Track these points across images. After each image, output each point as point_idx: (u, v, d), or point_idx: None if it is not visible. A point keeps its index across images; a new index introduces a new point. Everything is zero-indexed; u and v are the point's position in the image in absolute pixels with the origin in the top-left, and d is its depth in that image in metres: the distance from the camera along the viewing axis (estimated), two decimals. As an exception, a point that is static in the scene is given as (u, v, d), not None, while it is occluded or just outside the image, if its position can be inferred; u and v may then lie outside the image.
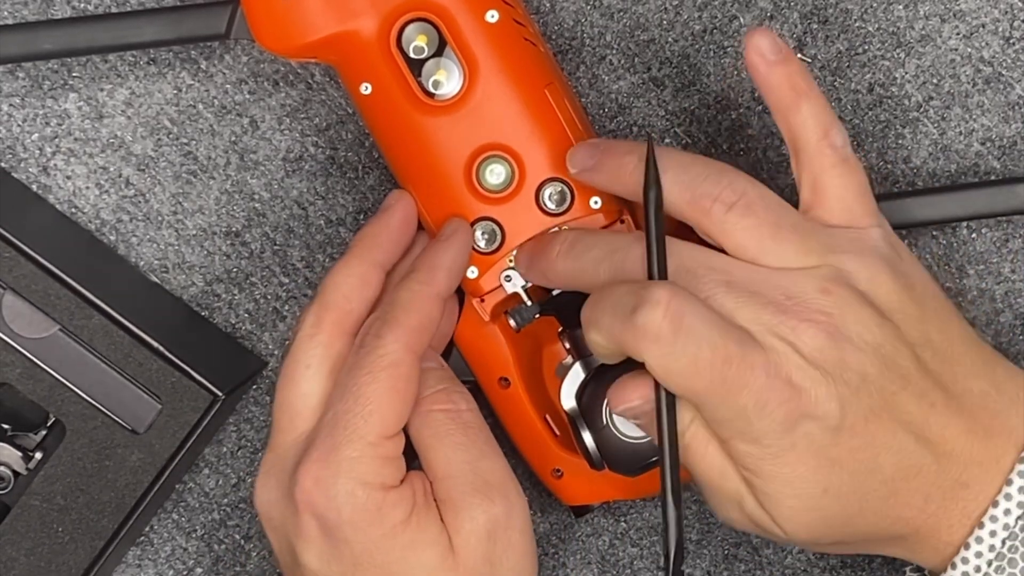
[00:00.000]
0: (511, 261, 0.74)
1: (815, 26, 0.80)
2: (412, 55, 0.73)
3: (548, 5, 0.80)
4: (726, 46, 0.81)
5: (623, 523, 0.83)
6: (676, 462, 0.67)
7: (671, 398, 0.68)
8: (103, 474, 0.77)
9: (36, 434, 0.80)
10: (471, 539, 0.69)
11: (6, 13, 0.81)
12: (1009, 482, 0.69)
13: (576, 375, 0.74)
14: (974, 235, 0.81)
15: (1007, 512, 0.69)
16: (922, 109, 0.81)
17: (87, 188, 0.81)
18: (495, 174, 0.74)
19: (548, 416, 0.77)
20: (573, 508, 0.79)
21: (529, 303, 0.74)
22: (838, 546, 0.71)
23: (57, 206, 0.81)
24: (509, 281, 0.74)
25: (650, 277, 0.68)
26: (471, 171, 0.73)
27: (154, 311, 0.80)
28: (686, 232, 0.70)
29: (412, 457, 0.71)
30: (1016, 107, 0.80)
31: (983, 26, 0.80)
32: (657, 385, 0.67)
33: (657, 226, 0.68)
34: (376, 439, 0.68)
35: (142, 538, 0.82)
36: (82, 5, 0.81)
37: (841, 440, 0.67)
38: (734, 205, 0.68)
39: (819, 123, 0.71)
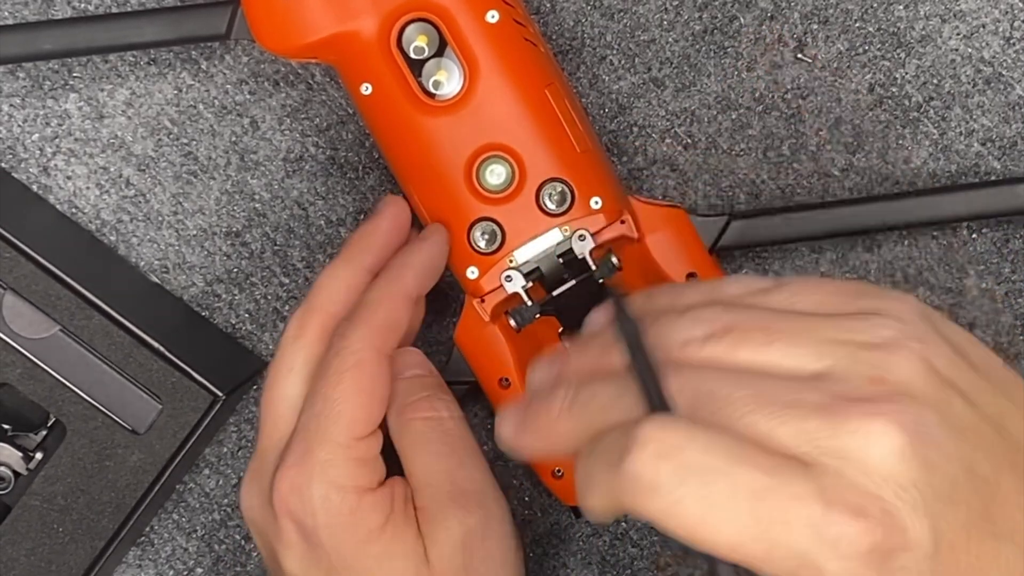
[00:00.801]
0: (511, 261, 0.74)
1: (815, 26, 0.80)
2: (412, 55, 0.73)
3: (548, 5, 0.80)
4: (726, 46, 0.81)
5: (623, 523, 0.83)
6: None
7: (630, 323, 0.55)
8: (103, 474, 0.77)
9: (36, 434, 0.80)
10: (446, 549, 0.68)
11: (6, 13, 0.81)
12: None
13: (576, 375, 0.74)
14: (974, 235, 0.81)
15: None
16: (922, 109, 0.81)
17: (87, 188, 0.81)
18: (495, 174, 0.74)
19: (548, 416, 0.77)
20: (573, 508, 0.79)
21: (529, 303, 0.74)
22: None
23: (57, 206, 0.81)
24: (509, 281, 0.74)
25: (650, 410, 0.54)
26: (471, 171, 0.73)
27: (154, 311, 0.80)
28: None
29: (399, 465, 0.71)
30: (1016, 107, 0.80)
31: (983, 26, 0.80)
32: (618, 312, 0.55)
33: (641, 356, 0.55)
34: (347, 440, 0.68)
35: (142, 538, 0.82)
36: (82, 5, 0.81)
37: (942, 563, 0.52)
38: (709, 338, 0.55)
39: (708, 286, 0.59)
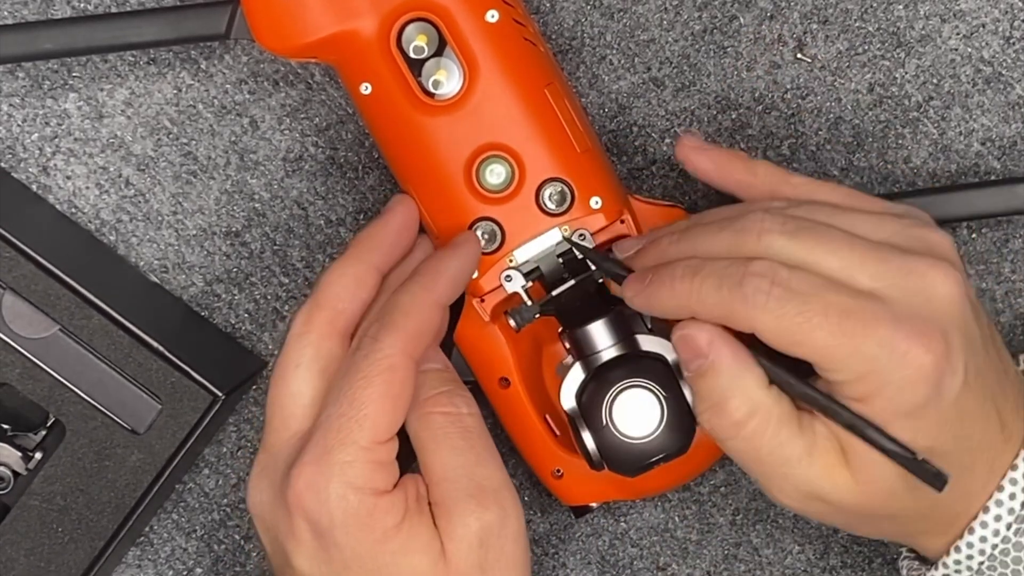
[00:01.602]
0: (511, 261, 0.74)
1: (815, 26, 0.80)
2: (412, 55, 0.73)
3: (548, 5, 0.80)
4: (726, 46, 0.81)
5: (623, 523, 0.83)
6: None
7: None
8: (103, 474, 0.77)
9: (36, 434, 0.80)
10: (463, 545, 0.68)
11: (6, 13, 0.81)
12: (1015, 467, 0.69)
13: (576, 375, 0.74)
14: (974, 235, 0.81)
15: (1012, 496, 0.69)
16: (922, 109, 0.81)
17: (87, 188, 0.81)
18: (495, 174, 0.74)
19: (548, 416, 0.77)
20: (573, 508, 0.79)
21: (529, 303, 0.74)
22: (886, 521, 0.70)
23: (57, 206, 0.81)
24: (509, 281, 0.74)
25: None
26: (471, 171, 0.73)
27: (154, 311, 0.80)
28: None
29: (411, 459, 0.71)
30: (1016, 107, 0.80)
31: (983, 26, 0.80)
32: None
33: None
34: (369, 444, 0.68)
35: (142, 538, 0.82)
36: (82, 5, 0.81)
37: (960, 399, 0.67)
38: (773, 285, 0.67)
39: (778, 169, 0.73)
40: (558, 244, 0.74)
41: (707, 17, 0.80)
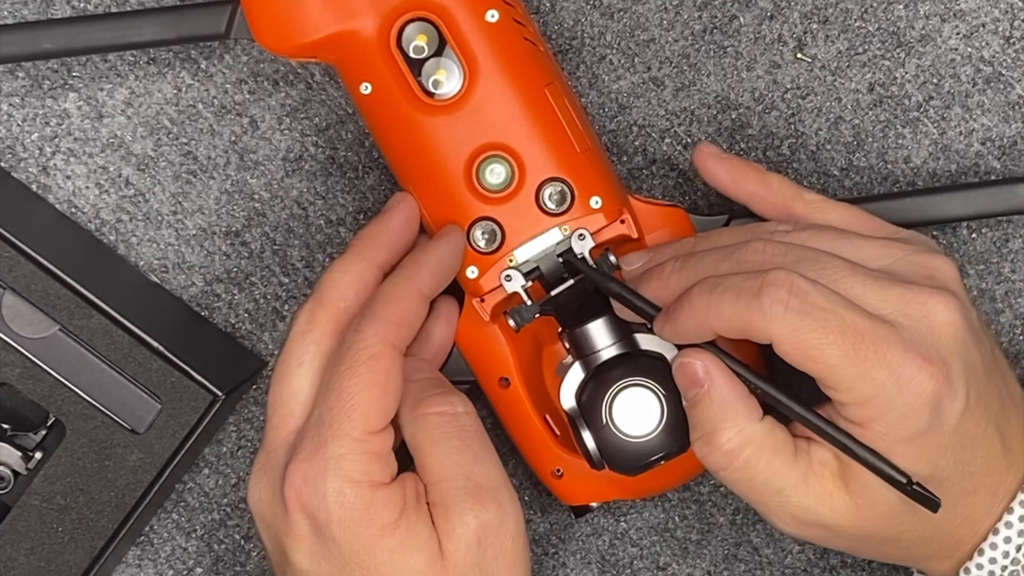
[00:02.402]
0: (511, 261, 0.74)
1: (815, 26, 0.80)
2: (412, 55, 0.73)
3: (548, 5, 0.80)
4: (726, 46, 0.81)
5: (623, 523, 0.83)
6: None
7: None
8: (103, 474, 0.77)
9: (36, 434, 0.80)
10: (461, 544, 0.68)
11: (6, 13, 0.81)
12: None
13: (576, 375, 0.74)
14: (974, 235, 0.81)
15: (1023, 519, 0.69)
16: (922, 109, 0.81)
17: (87, 188, 0.81)
18: (495, 174, 0.74)
19: (548, 416, 0.77)
20: (573, 508, 0.79)
21: (529, 303, 0.74)
22: (888, 544, 0.70)
23: (57, 206, 0.81)
24: (509, 281, 0.74)
25: None
26: (471, 171, 0.73)
27: (154, 311, 0.80)
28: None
29: (409, 461, 0.71)
30: (1016, 107, 0.80)
31: (983, 26, 0.80)
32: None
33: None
34: (361, 435, 0.68)
35: (142, 538, 0.82)
36: (82, 5, 0.81)
37: (962, 424, 0.68)
38: (791, 296, 0.68)
39: (792, 184, 0.74)
40: (558, 244, 0.74)
41: (707, 17, 0.80)
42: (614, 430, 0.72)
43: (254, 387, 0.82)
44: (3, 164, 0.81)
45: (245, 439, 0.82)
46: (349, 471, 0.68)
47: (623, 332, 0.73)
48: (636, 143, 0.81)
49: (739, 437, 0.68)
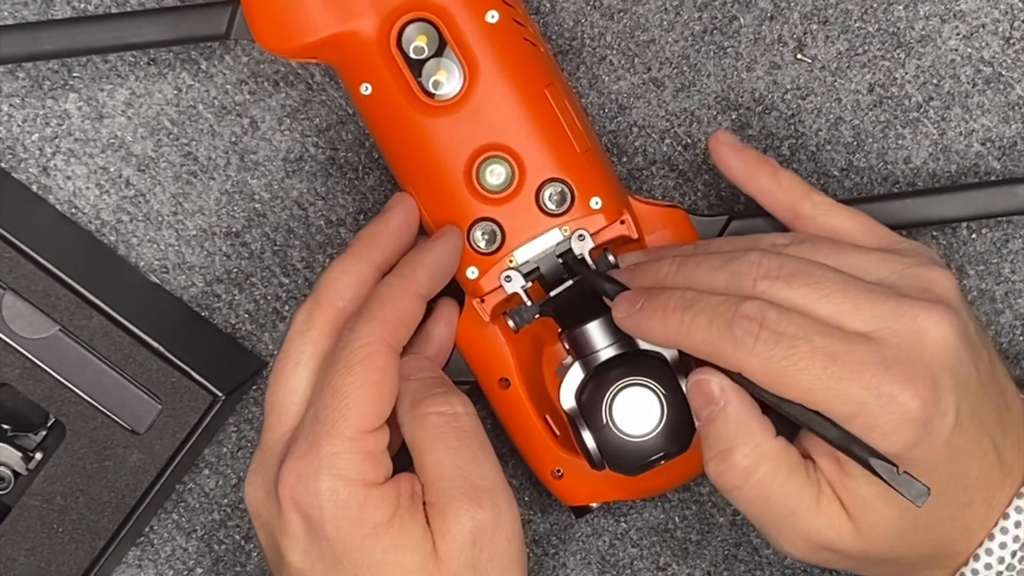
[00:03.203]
0: (511, 261, 0.74)
1: (815, 26, 0.80)
2: (412, 55, 0.73)
3: (548, 5, 0.80)
4: (726, 46, 0.81)
5: (623, 523, 0.83)
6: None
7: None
8: (103, 474, 0.77)
9: (36, 434, 0.80)
10: (456, 544, 0.68)
11: (6, 13, 0.81)
12: (1021, 495, 0.70)
13: (576, 375, 0.74)
14: (974, 235, 0.81)
15: (1018, 524, 0.69)
16: (922, 109, 0.81)
17: (87, 188, 0.81)
18: (495, 174, 0.74)
19: (548, 416, 0.77)
20: (573, 508, 0.79)
21: (529, 303, 0.74)
22: (889, 564, 0.71)
23: (57, 206, 0.81)
24: (509, 281, 0.74)
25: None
26: (471, 171, 0.73)
27: (154, 311, 0.80)
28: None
29: (407, 461, 0.71)
30: (1016, 107, 0.80)
31: (983, 26, 0.80)
32: None
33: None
34: (355, 433, 0.68)
35: (142, 538, 0.82)
36: (82, 5, 0.81)
37: (953, 439, 0.67)
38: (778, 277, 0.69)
39: (802, 183, 0.73)
40: (558, 244, 0.74)
41: (707, 17, 0.80)
42: (614, 430, 0.72)
43: (254, 388, 0.82)
44: (3, 165, 0.81)
45: (245, 439, 0.82)
46: (342, 470, 0.68)
47: (623, 332, 0.73)
48: (636, 143, 0.81)
49: (755, 453, 0.68)
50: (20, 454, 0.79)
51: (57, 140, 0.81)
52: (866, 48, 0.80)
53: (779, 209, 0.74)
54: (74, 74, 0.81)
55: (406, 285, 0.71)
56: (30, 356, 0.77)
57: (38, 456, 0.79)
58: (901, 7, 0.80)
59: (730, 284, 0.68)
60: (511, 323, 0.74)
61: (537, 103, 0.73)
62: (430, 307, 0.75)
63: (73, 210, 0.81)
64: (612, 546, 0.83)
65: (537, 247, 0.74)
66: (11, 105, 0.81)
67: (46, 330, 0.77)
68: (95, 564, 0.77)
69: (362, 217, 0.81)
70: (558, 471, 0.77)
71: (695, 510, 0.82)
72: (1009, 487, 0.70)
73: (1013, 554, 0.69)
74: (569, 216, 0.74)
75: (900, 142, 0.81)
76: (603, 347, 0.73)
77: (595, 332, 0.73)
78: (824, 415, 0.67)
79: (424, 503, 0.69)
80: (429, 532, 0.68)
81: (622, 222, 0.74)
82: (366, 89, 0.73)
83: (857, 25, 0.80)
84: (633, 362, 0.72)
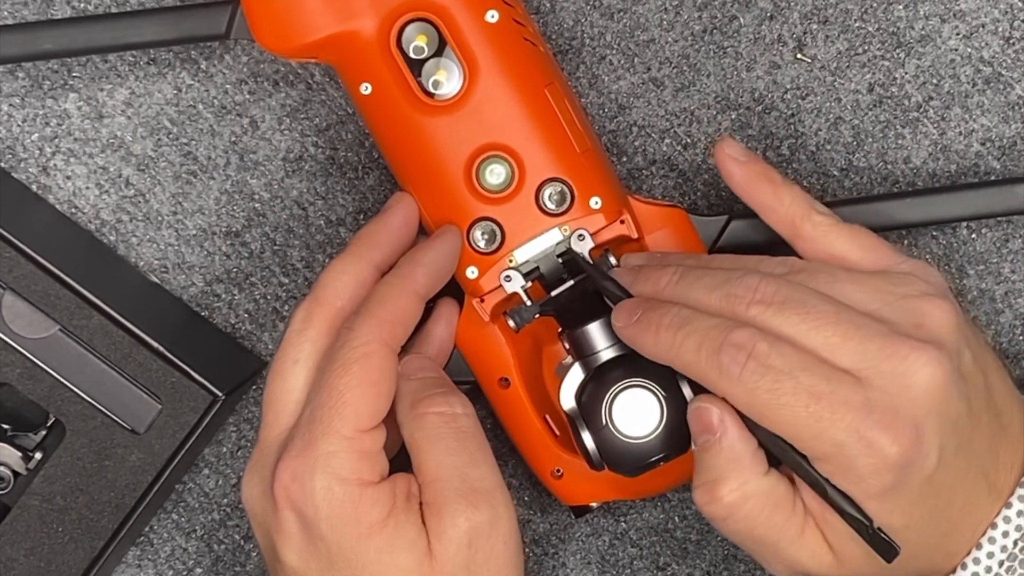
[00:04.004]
0: (511, 261, 0.74)
1: (815, 26, 0.80)
2: (412, 55, 0.73)
3: (548, 5, 0.80)
4: (726, 46, 0.81)
5: (623, 523, 0.83)
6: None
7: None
8: (103, 474, 0.77)
9: (36, 434, 0.80)
10: (451, 545, 0.68)
11: (6, 13, 0.81)
12: (1008, 505, 0.70)
13: (576, 375, 0.74)
14: (974, 235, 0.81)
15: (1005, 534, 0.69)
16: (922, 109, 0.81)
17: (87, 188, 0.81)
18: (495, 174, 0.74)
19: (548, 416, 0.77)
20: (573, 508, 0.79)
21: (529, 303, 0.74)
22: None
23: (57, 206, 0.81)
24: (509, 281, 0.74)
25: None
26: (471, 171, 0.73)
27: (154, 311, 0.80)
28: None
29: (407, 462, 0.71)
30: (1016, 107, 0.80)
31: (983, 26, 0.80)
32: None
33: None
34: (352, 433, 0.68)
35: (142, 538, 0.82)
36: (82, 5, 0.81)
37: (936, 477, 0.67)
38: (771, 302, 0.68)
39: (804, 201, 0.73)
40: (558, 244, 0.74)
41: (707, 17, 0.80)
42: (614, 431, 0.72)
43: (254, 387, 0.82)
44: (3, 164, 0.81)
45: (245, 439, 0.82)
46: (338, 469, 0.68)
47: (623, 333, 0.73)
48: (636, 143, 0.81)
49: (742, 490, 0.68)
50: (20, 454, 0.79)
51: (57, 140, 0.81)
52: (866, 48, 0.80)
53: (780, 226, 0.73)
54: (74, 74, 0.81)
55: (405, 285, 0.71)
56: (30, 356, 0.77)
57: (38, 456, 0.79)
58: (901, 7, 0.80)
59: (724, 306, 0.68)
60: (511, 323, 0.74)
61: (537, 103, 0.73)
62: (430, 307, 0.75)
63: (73, 210, 0.81)
64: (612, 546, 0.83)
65: (537, 247, 0.74)
66: (11, 105, 0.81)
67: (46, 330, 0.77)
68: (95, 564, 0.77)
69: (362, 217, 0.82)
70: (558, 471, 0.77)
71: (695, 510, 0.82)
72: (996, 506, 0.70)
73: (1000, 564, 0.69)
74: (569, 216, 0.74)
75: (900, 142, 0.81)
76: (604, 348, 0.73)
77: (596, 333, 0.73)
78: (806, 457, 0.67)
79: (421, 503, 0.69)
80: (424, 532, 0.68)
81: (622, 222, 0.75)
82: (366, 89, 0.73)
83: (857, 25, 0.80)
84: (633, 363, 0.72)
